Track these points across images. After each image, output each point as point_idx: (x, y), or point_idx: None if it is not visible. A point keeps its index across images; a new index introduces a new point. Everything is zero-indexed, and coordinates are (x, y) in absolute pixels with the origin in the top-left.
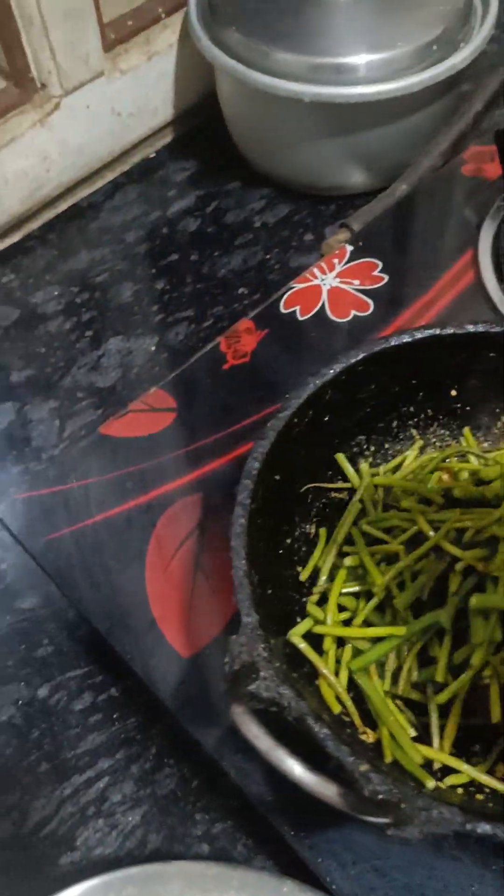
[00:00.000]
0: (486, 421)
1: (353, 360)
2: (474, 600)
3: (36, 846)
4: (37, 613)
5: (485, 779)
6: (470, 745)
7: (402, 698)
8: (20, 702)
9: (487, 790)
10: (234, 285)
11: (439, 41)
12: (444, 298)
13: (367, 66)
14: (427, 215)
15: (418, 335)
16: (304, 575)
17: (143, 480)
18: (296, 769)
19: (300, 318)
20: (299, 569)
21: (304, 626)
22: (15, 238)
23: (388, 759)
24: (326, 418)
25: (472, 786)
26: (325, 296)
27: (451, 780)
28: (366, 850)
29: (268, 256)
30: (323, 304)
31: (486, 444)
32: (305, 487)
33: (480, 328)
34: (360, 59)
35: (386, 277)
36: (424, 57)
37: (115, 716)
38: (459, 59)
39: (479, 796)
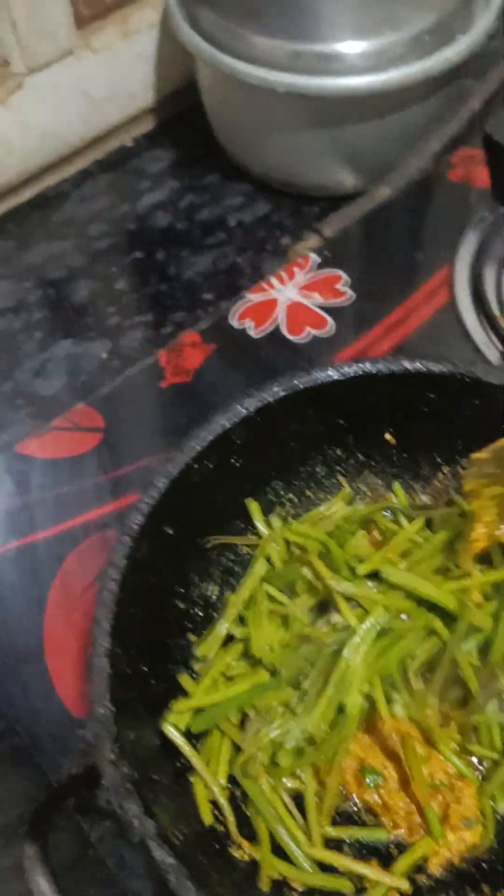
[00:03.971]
0: (427, 471)
1: (269, 400)
2: None
3: None
4: None
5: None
6: None
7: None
8: None
9: None
10: (199, 289)
11: (433, 31)
12: (414, 320)
13: (350, 55)
14: (405, 224)
15: (347, 371)
16: (201, 649)
17: (58, 508)
18: None
19: (253, 336)
20: (192, 637)
21: (180, 707)
22: None
23: (266, 887)
24: (236, 462)
25: None
26: (280, 310)
27: None
28: None
29: (239, 259)
30: (278, 320)
31: (424, 498)
32: (207, 542)
33: (418, 365)
34: (344, 47)
35: (349, 293)
36: (415, 47)
37: None
38: (454, 51)
39: None
